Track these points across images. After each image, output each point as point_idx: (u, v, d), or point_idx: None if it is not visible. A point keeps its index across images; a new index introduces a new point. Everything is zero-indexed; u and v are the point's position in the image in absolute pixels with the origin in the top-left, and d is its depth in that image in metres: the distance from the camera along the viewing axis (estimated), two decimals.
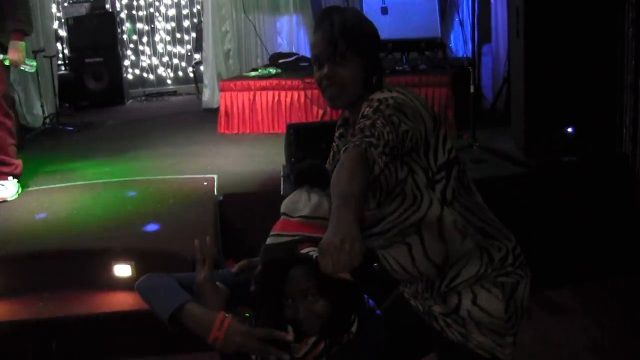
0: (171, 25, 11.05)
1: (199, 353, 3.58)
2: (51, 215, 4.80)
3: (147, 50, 11.10)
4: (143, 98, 10.45)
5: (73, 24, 9.76)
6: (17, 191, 5.20)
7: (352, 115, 2.17)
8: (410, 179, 2.02)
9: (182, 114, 8.77)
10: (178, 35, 11.06)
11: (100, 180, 5.59)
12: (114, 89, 9.77)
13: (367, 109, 1.95)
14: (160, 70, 11.13)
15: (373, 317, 2.08)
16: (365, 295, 2.09)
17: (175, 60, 11.10)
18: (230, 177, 5.34)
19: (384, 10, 7.07)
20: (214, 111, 7.65)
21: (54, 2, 9.98)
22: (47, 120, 7.92)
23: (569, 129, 4.65)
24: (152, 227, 4.48)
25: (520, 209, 4.31)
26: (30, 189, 5.40)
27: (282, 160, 4.93)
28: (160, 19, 11.04)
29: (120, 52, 10.00)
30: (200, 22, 10.11)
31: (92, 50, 9.63)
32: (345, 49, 2.03)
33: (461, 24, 7.70)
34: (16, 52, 4.96)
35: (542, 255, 4.13)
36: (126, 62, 10.45)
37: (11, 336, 3.85)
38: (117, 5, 10.72)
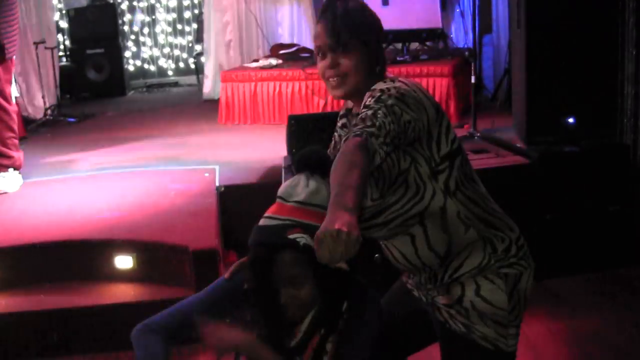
0: (172, 16, 11.04)
1: (199, 345, 3.57)
2: (52, 207, 4.81)
3: (148, 41, 11.09)
4: (144, 89, 10.45)
5: (74, 15, 9.77)
6: (19, 183, 5.20)
7: (354, 106, 2.17)
8: (413, 170, 2.01)
9: (183, 105, 8.78)
10: (179, 26, 11.06)
11: (101, 172, 5.59)
12: (115, 80, 9.77)
13: (369, 99, 1.95)
14: (161, 62, 11.12)
15: (372, 304, 2.07)
16: (365, 283, 2.08)
17: (176, 51, 11.10)
18: (232, 168, 5.34)
19: (385, 1, 7.07)
20: (215, 102, 7.65)
21: None
22: (48, 112, 7.93)
23: (570, 119, 4.65)
24: (153, 219, 4.48)
25: (521, 200, 4.30)
26: (31, 180, 5.40)
27: (284, 151, 4.92)
28: (161, 10, 11.02)
29: (121, 43, 9.99)
30: (201, 13, 10.10)
31: (93, 42, 9.63)
32: (348, 39, 2.03)
33: (462, 14, 7.69)
34: None
35: (544, 246, 4.13)
36: (127, 53, 10.44)
37: (12, 327, 3.85)
38: None
